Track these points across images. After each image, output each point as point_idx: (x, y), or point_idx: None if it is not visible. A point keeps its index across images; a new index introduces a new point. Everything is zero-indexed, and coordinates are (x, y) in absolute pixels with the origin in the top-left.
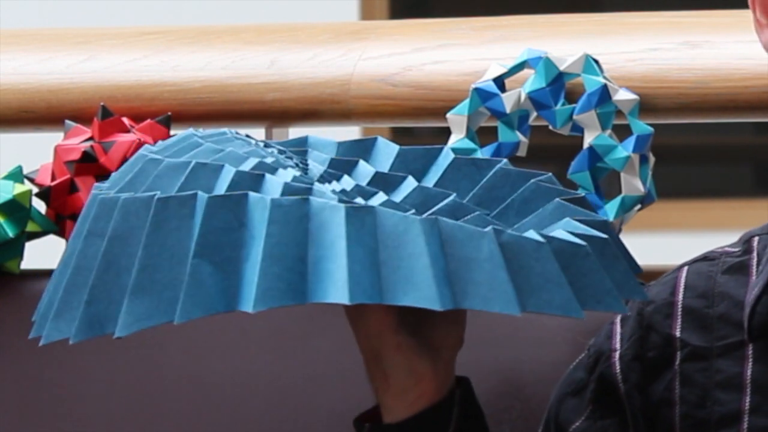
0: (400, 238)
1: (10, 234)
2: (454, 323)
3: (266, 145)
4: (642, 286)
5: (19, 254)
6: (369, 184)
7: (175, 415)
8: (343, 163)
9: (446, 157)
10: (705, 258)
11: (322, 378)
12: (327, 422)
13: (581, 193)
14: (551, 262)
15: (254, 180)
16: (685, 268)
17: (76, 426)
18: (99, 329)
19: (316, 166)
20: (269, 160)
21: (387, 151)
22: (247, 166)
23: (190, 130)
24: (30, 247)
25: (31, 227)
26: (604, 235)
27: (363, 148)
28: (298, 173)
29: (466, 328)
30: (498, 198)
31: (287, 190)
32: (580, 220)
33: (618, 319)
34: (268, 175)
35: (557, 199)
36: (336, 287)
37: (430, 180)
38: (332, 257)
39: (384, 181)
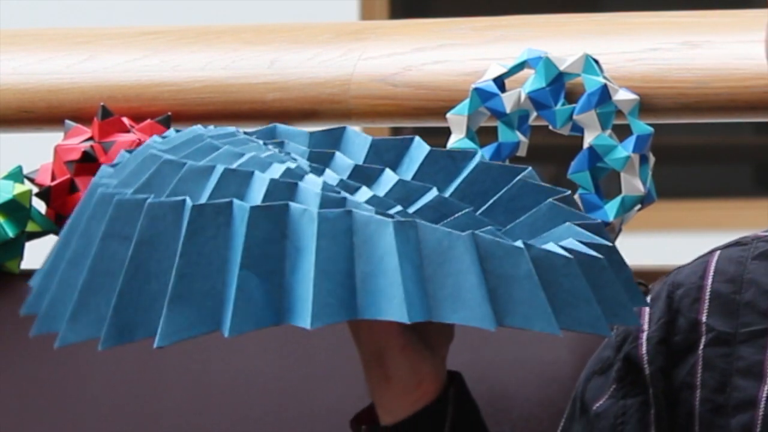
0: (444, 254)
1: (10, 234)
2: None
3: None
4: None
5: (19, 254)
6: (348, 177)
7: (175, 414)
8: (321, 155)
9: (419, 148)
10: (737, 243)
11: (322, 378)
12: (327, 422)
13: (566, 191)
14: (579, 279)
15: (289, 189)
16: (717, 252)
17: (76, 426)
18: (128, 336)
19: (301, 160)
20: (292, 165)
21: (359, 142)
22: (275, 173)
23: (197, 128)
24: (30, 247)
25: (31, 227)
26: (609, 243)
27: (334, 139)
28: (320, 180)
29: (465, 328)
30: (480, 193)
31: (325, 201)
32: (580, 225)
33: (648, 299)
34: (300, 184)
35: (550, 200)
36: (391, 305)
37: (407, 172)
38: (383, 273)
39: (363, 175)
